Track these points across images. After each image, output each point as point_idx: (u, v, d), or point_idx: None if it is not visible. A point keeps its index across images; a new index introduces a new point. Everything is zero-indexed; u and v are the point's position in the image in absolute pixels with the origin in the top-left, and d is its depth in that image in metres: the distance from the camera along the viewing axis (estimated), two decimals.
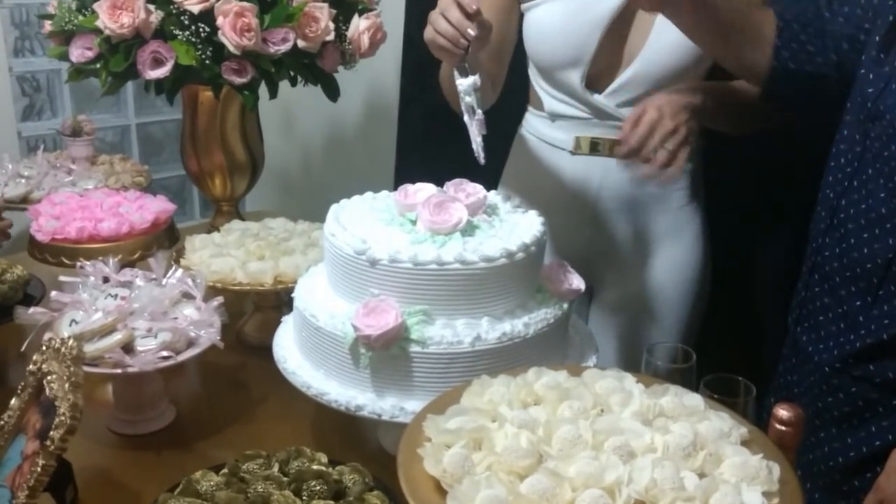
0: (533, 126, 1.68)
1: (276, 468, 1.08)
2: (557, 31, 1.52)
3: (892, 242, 1.12)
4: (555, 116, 1.60)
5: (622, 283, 1.64)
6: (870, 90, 1.16)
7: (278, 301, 1.64)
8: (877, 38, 1.17)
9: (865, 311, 1.16)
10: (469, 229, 1.22)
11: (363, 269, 1.18)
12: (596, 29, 1.48)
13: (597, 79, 1.53)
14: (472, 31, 1.29)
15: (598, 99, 1.53)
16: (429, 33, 1.35)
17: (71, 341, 1.10)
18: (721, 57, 1.36)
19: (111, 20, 1.58)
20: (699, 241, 1.65)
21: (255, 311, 1.67)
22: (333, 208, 1.31)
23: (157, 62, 1.63)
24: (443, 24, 1.32)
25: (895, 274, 1.12)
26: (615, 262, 1.63)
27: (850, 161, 1.20)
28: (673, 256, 1.63)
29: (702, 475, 0.88)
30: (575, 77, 1.52)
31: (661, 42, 1.47)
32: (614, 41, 1.50)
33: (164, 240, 1.70)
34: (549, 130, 1.63)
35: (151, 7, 1.62)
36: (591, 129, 1.56)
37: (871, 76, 1.16)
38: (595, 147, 1.56)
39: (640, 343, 1.60)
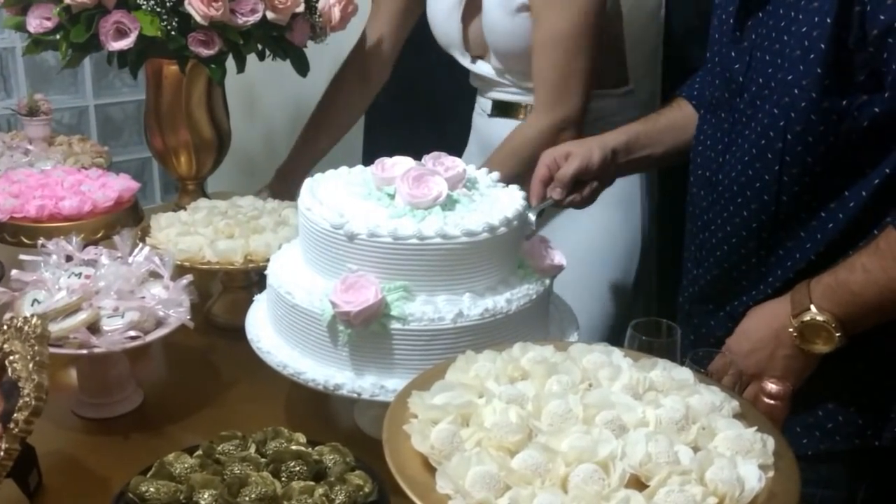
0: (478, 102, 1.86)
1: (252, 449, 1.04)
2: (433, 16, 1.77)
3: (768, 198, 1.21)
4: (476, 84, 1.81)
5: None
6: (736, 66, 1.26)
7: (248, 281, 1.59)
8: (726, 17, 1.28)
9: (763, 263, 1.25)
10: (449, 203, 1.19)
11: (341, 244, 1.15)
12: (452, 15, 1.71)
13: (484, 51, 1.73)
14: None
15: (485, 70, 1.73)
16: None
17: (35, 319, 1.05)
18: None
19: None
20: (635, 211, 1.72)
21: (224, 291, 1.62)
22: (308, 182, 1.27)
23: (121, 33, 1.57)
24: None
25: (782, 223, 1.21)
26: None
27: (720, 138, 1.30)
28: (604, 226, 1.69)
29: (696, 449, 0.86)
30: (459, 55, 1.76)
31: (492, 27, 1.65)
32: (476, 25, 1.69)
33: (128, 219, 1.63)
34: (482, 100, 1.82)
35: None
36: (501, 93, 1.75)
37: (732, 54, 1.27)
38: (503, 109, 1.75)
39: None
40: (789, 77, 1.15)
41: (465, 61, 1.77)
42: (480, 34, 1.70)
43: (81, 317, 1.21)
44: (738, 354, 1.20)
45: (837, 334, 1.13)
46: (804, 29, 1.12)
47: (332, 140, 2.02)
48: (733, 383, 1.13)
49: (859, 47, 1.08)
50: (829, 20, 1.08)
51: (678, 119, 1.46)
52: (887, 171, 1.13)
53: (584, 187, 1.42)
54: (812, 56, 1.11)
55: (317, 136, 1.99)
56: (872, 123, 1.11)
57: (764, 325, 1.20)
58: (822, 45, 1.10)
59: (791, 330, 1.16)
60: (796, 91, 1.14)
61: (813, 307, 1.13)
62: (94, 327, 1.21)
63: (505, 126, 1.71)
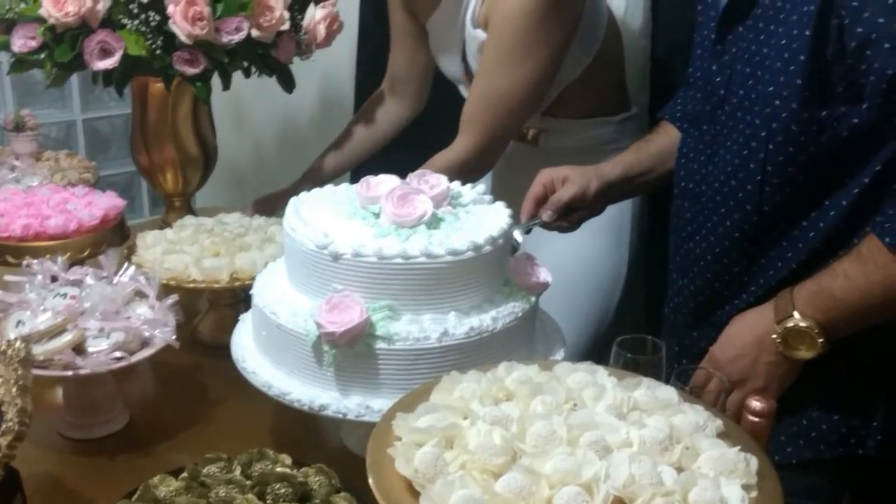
0: None
1: (237, 471, 1.04)
2: (437, 58, 1.78)
3: (749, 208, 1.22)
4: None
5: None
6: (717, 79, 1.27)
7: (234, 299, 1.59)
8: (708, 32, 1.30)
9: (746, 273, 1.27)
10: (434, 222, 1.19)
11: (325, 264, 1.14)
12: (454, 54, 1.70)
13: None
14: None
15: None
16: None
17: (18, 343, 1.04)
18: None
19: (55, 8, 1.51)
20: (623, 237, 1.72)
21: (210, 309, 1.62)
22: (293, 202, 1.27)
23: (105, 52, 1.57)
24: None
25: (764, 232, 1.22)
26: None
27: (702, 150, 1.31)
28: (588, 251, 1.69)
29: (679, 469, 0.86)
30: (464, 91, 1.75)
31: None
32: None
33: (115, 237, 1.63)
34: None
35: None
36: None
37: (714, 67, 1.28)
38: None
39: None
40: (770, 88, 1.16)
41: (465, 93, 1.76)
42: None
43: (66, 338, 1.20)
44: (722, 361, 1.21)
45: (820, 340, 1.14)
46: (784, 41, 1.13)
47: (361, 153, 2.00)
48: (717, 394, 1.14)
49: (838, 59, 1.09)
50: (807, 32, 1.09)
51: (666, 145, 1.47)
52: (866, 180, 1.14)
53: (572, 214, 1.43)
54: (792, 67, 1.12)
55: (350, 145, 1.97)
56: (852, 134, 1.12)
57: (748, 331, 1.21)
58: (802, 57, 1.11)
59: (775, 336, 1.16)
60: (777, 102, 1.15)
61: (796, 313, 1.14)
62: (79, 348, 1.21)
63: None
